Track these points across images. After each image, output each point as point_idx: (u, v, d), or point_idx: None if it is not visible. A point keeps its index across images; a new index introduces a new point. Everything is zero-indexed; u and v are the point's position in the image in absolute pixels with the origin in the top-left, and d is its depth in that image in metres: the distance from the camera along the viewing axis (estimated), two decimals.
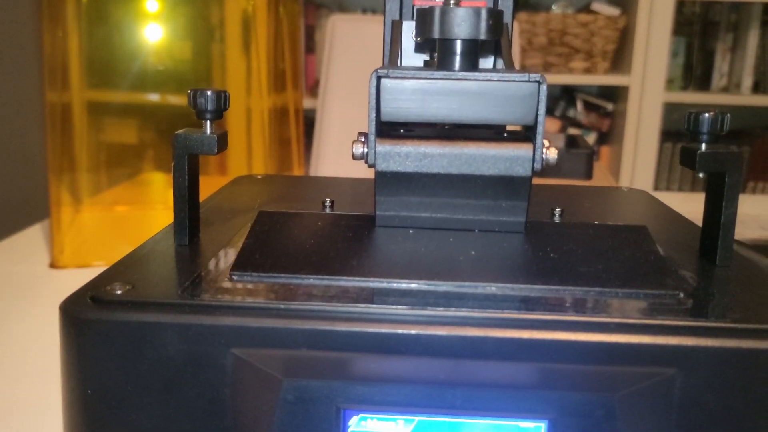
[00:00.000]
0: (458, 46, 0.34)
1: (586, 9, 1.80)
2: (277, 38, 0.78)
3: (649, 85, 1.71)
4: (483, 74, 0.32)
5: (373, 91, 0.33)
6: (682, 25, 1.83)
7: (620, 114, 1.81)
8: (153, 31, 0.72)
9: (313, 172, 1.22)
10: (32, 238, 0.78)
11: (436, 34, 0.33)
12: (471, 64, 0.34)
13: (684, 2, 1.78)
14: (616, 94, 1.86)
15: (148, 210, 0.77)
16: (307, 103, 1.49)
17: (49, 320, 0.54)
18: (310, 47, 1.86)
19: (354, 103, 1.19)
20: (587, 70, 1.77)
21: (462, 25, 0.32)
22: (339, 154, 1.21)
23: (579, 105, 1.92)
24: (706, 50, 1.86)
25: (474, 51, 0.34)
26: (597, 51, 1.75)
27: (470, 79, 0.32)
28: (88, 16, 0.70)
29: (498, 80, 0.32)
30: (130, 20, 0.71)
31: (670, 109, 1.77)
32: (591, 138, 1.91)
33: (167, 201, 0.84)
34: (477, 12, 0.32)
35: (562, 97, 1.96)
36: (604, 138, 1.92)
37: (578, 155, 0.93)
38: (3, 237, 0.78)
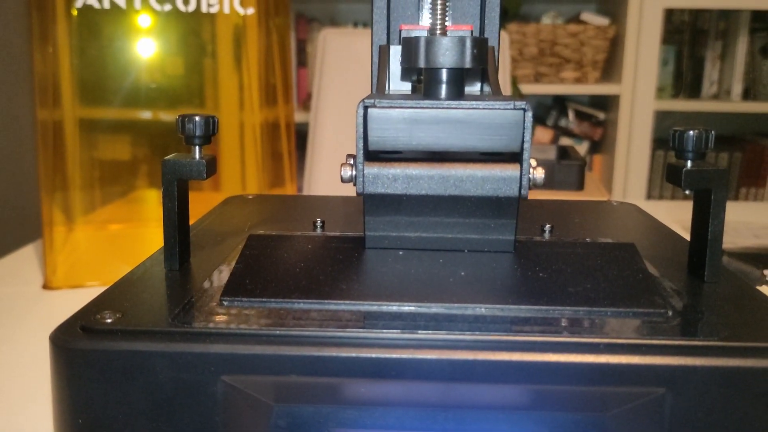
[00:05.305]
0: (444, 74, 0.34)
1: (576, 19, 1.81)
2: (267, 52, 0.79)
3: (640, 93, 1.72)
4: (469, 102, 0.33)
5: (361, 120, 0.33)
6: (671, 33, 1.84)
7: (612, 123, 1.82)
8: (144, 48, 0.72)
9: (306, 186, 1.23)
10: (25, 258, 0.78)
11: (421, 64, 0.33)
12: (457, 91, 0.34)
13: (673, 11, 1.80)
14: (608, 103, 1.87)
15: (142, 228, 0.77)
16: (300, 116, 1.50)
17: (40, 344, 0.54)
18: (302, 61, 1.86)
19: (346, 117, 1.19)
20: (578, 80, 1.78)
21: (447, 55, 0.33)
22: (332, 168, 1.21)
23: (571, 114, 1.93)
24: (696, 58, 1.87)
25: (459, 79, 0.34)
26: (587, 61, 1.76)
27: (456, 108, 0.33)
28: (78, 33, 0.70)
29: (483, 108, 0.32)
30: (121, 37, 0.71)
31: (661, 116, 1.78)
32: (583, 147, 1.92)
33: (161, 218, 0.84)
34: (462, 41, 0.33)
35: (553, 107, 1.97)
36: (596, 147, 1.93)
37: (570, 167, 0.94)
38: None
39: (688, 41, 1.87)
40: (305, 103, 1.77)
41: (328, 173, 1.21)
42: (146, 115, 0.75)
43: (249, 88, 0.77)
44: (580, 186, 0.95)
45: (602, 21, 1.76)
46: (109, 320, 0.28)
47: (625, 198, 1.75)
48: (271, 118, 0.82)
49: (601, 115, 1.89)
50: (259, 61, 0.77)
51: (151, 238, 0.76)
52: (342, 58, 1.24)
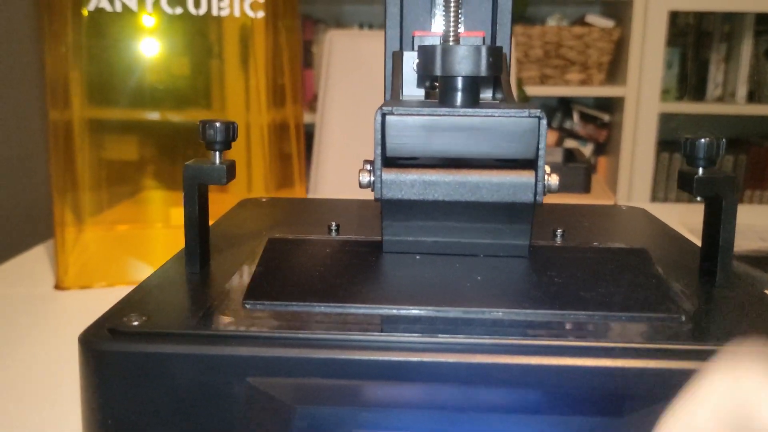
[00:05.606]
0: (459, 82, 0.35)
1: (581, 21, 1.82)
2: (276, 53, 0.79)
3: (645, 95, 1.72)
4: (484, 110, 0.33)
5: (379, 127, 0.33)
6: (676, 36, 1.85)
7: (616, 125, 1.83)
8: (155, 50, 0.73)
9: (312, 187, 1.23)
10: (36, 259, 0.79)
11: (438, 72, 0.34)
12: (472, 99, 0.35)
13: (677, 13, 1.80)
14: (612, 105, 1.87)
15: (149, 229, 0.77)
16: (305, 117, 1.50)
17: (55, 343, 0.55)
18: (308, 62, 1.87)
19: (352, 118, 1.20)
20: (583, 82, 1.79)
21: (463, 63, 0.33)
22: (338, 169, 1.22)
23: (576, 116, 1.93)
24: (701, 60, 1.87)
25: (475, 86, 0.35)
26: (592, 63, 1.76)
27: (472, 115, 0.33)
28: (89, 35, 0.71)
29: (499, 116, 0.33)
30: (131, 39, 0.72)
31: (665, 119, 1.78)
32: (588, 149, 1.92)
33: (168, 219, 0.84)
34: (477, 50, 0.33)
35: (558, 109, 1.98)
36: (601, 149, 1.94)
37: (576, 169, 0.94)
38: (8, 258, 0.79)
39: (693, 44, 1.88)
40: (311, 104, 1.78)
41: (335, 174, 1.22)
42: (155, 116, 0.75)
43: (256, 89, 0.78)
44: (586, 189, 0.95)
45: (607, 23, 1.76)
46: (135, 323, 0.29)
47: (630, 200, 1.75)
48: (279, 119, 0.83)
49: (606, 117, 1.90)
50: (268, 62, 0.78)
51: (158, 239, 0.76)
52: (348, 59, 1.25)
